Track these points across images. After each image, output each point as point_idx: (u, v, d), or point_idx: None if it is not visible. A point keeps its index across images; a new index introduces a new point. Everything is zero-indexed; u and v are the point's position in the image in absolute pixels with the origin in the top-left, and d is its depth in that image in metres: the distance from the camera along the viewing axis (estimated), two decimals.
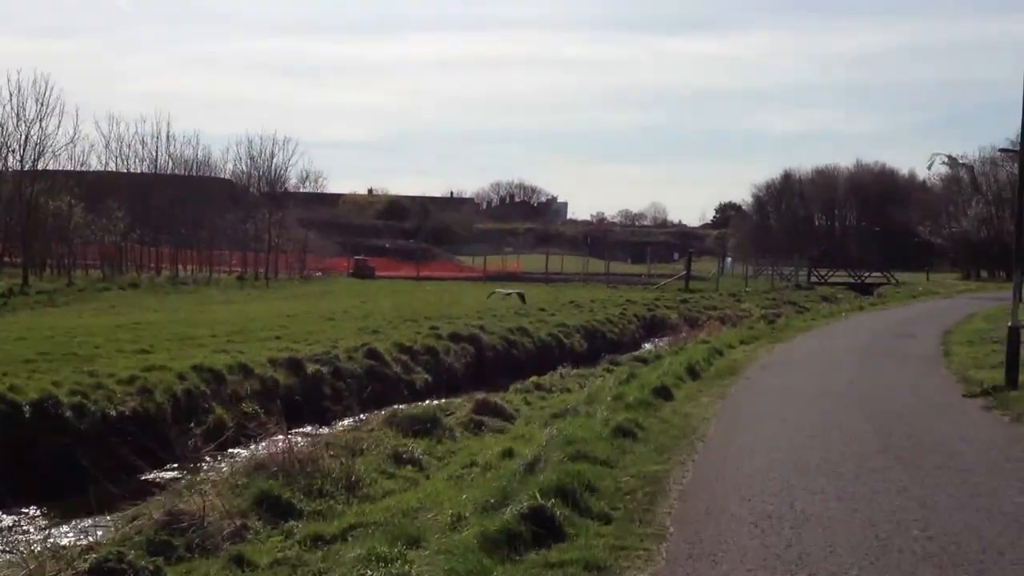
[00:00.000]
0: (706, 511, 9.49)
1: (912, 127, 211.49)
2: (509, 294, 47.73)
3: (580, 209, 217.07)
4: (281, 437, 14.46)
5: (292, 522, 11.36)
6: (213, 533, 10.86)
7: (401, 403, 24.15)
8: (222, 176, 72.12)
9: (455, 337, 30.60)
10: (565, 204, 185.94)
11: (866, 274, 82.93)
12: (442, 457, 15.65)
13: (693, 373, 19.52)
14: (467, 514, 9.63)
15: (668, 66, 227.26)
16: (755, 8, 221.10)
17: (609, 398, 15.88)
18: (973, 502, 9.77)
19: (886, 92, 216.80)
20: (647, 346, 39.05)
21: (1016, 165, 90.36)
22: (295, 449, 13.88)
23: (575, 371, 27.24)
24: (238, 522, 11.36)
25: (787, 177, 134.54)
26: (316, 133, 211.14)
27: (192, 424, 19.05)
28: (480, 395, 20.22)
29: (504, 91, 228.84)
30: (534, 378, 24.70)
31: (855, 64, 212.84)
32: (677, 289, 60.05)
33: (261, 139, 72.55)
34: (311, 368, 23.87)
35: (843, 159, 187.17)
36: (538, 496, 8.89)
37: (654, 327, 44.80)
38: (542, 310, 42.25)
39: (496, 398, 20.20)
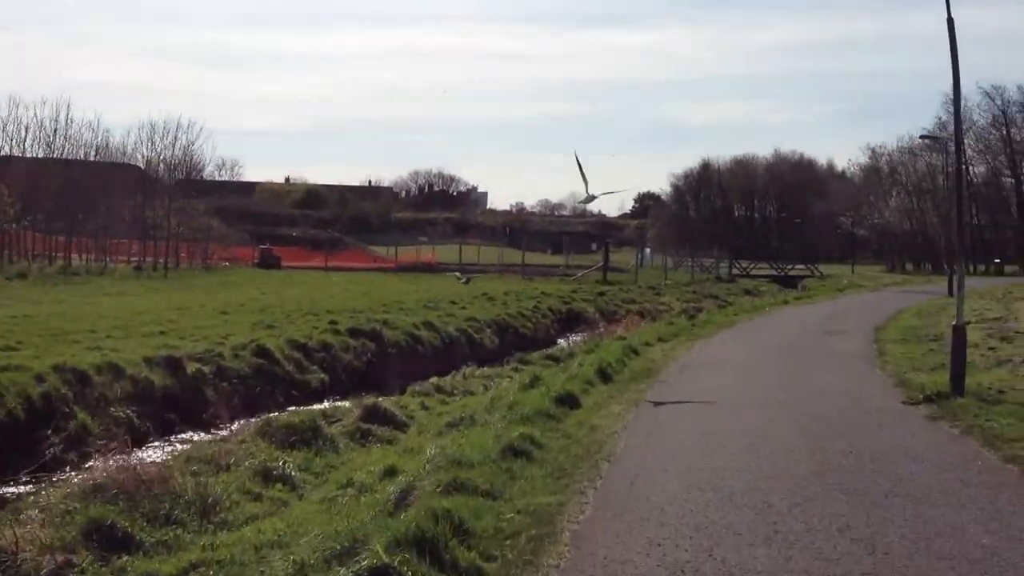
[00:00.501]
0: (604, 562, 7.63)
1: (827, 118, 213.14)
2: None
3: (501, 199, 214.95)
4: (130, 450, 12.48)
5: (127, 557, 9.38)
6: (26, 574, 8.95)
7: (292, 405, 22.47)
8: (131, 163, 68.74)
9: (355, 332, 28.53)
10: (485, 194, 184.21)
11: (789, 266, 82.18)
12: (320, 473, 13.78)
13: (605, 376, 17.71)
14: (312, 561, 7.80)
15: (588, 58, 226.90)
16: (672, 1, 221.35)
17: (507, 406, 14.01)
18: (933, 545, 8.00)
19: (801, 84, 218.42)
20: (561, 342, 37.41)
21: (934, 154, 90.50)
22: (140, 466, 11.86)
23: (481, 371, 25.36)
24: (60, 558, 9.36)
25: (706, 167, 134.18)
26: (240, 123, 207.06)
27: (50, 432, 16.85)
28: (371, 399, 18.22)
29: (426, 82, 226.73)
30: (435, 379, 22.75)
31: (771, 56, 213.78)
32: (595, 281, 58.45)
33: (165, 123, 69.18)
34: (192, 368, 21.60)
35: (761, 149, 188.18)
36: (382, 553, 6.94)
37: (570, 321, 43.04)
38: (453, 303, 40.37)
39: (388, 403, 18.21)
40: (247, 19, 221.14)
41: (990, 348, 21.87)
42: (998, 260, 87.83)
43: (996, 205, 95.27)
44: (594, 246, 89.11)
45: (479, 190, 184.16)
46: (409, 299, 41.18)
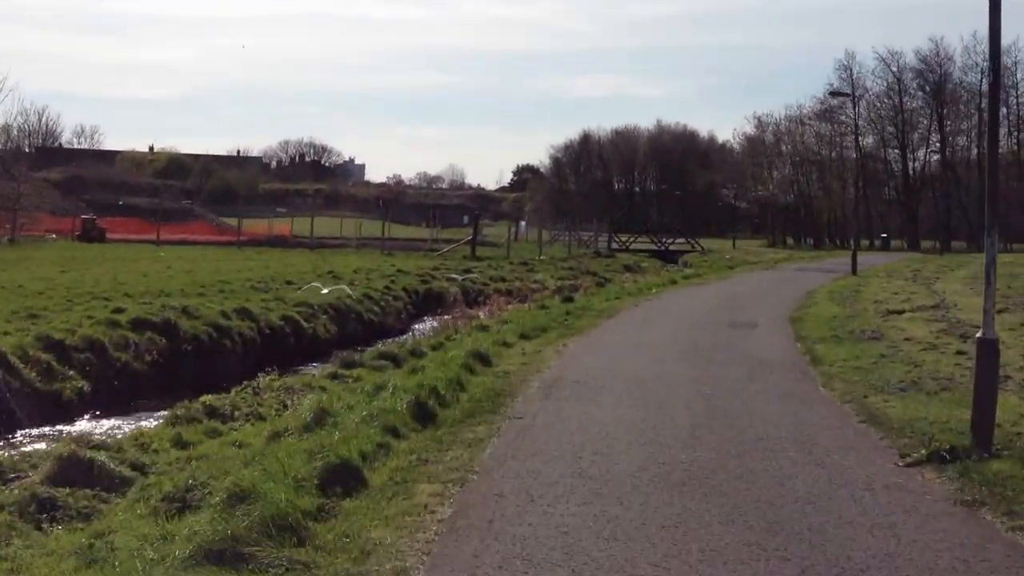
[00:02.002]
0: None
1: (710, 92, 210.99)
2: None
3: (378, 172, 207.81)
4: None
5: None
6: None
7: (20, 430, 16.13)
8: None
9: (140, 324, 21.70)
10: (363, 166, 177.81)
11: (670, 241, 77.32)
12: None
13: (425, 415, 11.27)
14: None
15: (468, 29, 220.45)
16: None
17: (228, 491, 7.67)
18: None
19: (683, 57, 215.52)
20: (418, 327, 31.43)
21: (823, 124, 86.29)
22: None
23: (284, 380, 18.82)
24: None
25: (586, 138, 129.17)
26: (110, 90, 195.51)
27: None
28: (67, 446, 11.61)
29: (305, 51, 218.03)
30: (207, 398, 16.11)
31: (653, 29, 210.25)
32: (462, 256, 52.15)
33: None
34: None
35: (644, 122, 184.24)
36: None
37: (429, 303, 36.63)
38: (289, 283, 33.74)
39: (95, 453, 11.63)
40: None
41: (959, 352, 16.20)
42: (884, 235, 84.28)
43: (884, 177, 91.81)
44: (466, 219, 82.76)
45: (356, 162, 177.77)
46: (239, 278, 34.40)
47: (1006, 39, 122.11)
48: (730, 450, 9.86)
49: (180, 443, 13.38)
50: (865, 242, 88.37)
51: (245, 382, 18.53)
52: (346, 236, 65.36)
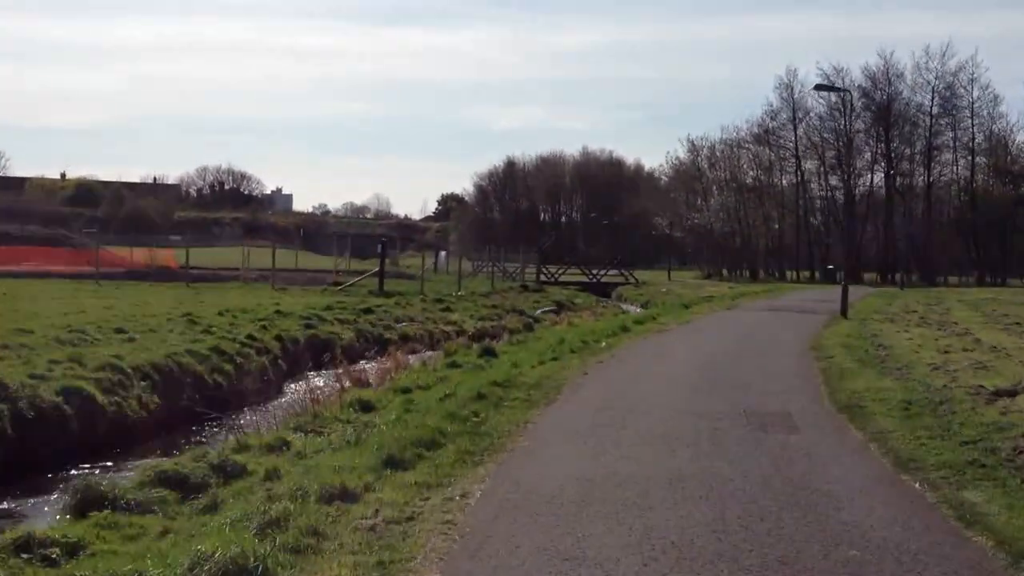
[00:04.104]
0: None
1: (634, 124, 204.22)
2: None
3: (307, 202, 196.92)
4: None
5: None
6: None
7: None
8: None
9: None
10: (290, 196, 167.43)
11: (602, 272, 68.48)
12: None
13: None
14: None
15: (393, 59, 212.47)
16: (478, 2, 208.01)
17: None
18: None
19: (602, 88, 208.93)
20: (293, 389, 22.61)
21: (761, 147, 77.67)
22: None
23: None
24: None
25: (511, 165, 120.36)
26: (32, 118, 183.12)
27: None
28: None
29: (232, 81, 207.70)
30: None
31: (573, 61, 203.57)
32: (368, 292, 42.46)
33: None
34: None
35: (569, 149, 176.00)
36: None
37: (313, 353, 27.11)
38: (119, 331, 23.99)
39: None
40: (19, 5, 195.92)
41: None
42: (830, 267, 76.17)
43: (828, 206, 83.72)
44: (378, 248, 72.73)
45: (284, 192, 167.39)
46: (53, 324, 24.47)
47: (964, 52, 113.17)
48: None
49: None
50: (805, 273, 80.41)
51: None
52: (255, 266, 54.82)
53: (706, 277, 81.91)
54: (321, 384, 22.84)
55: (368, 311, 34.24)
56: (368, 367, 25.32)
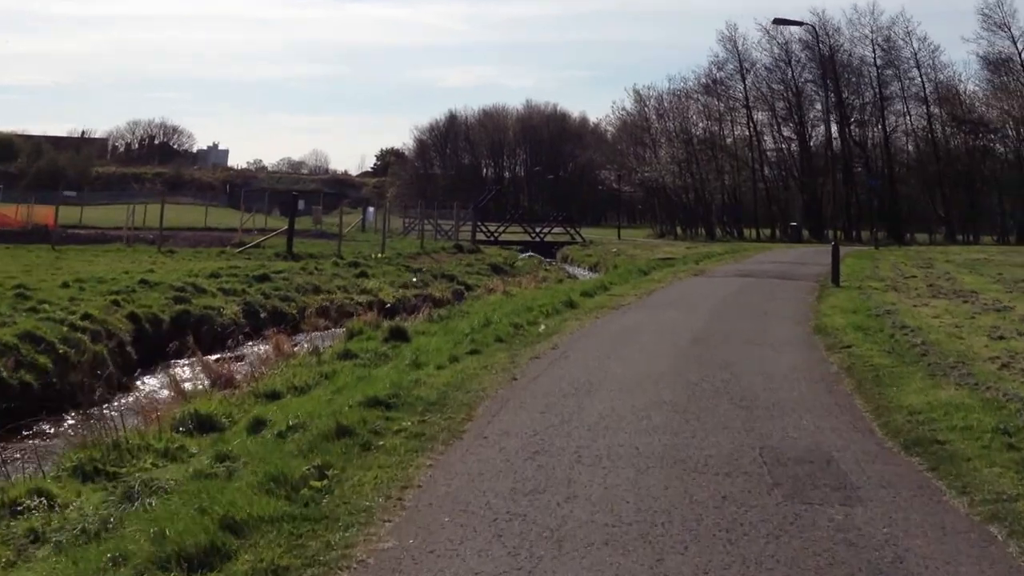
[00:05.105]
0: None
1: (575, 81, 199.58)
2: None
3: (244, 158, 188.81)
4: None
5: None
6: None
7: None
8: None
9: None
10: (226, 152, 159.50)
11: (546, 230, 63.16)
12: None
13: None
14: None
15: (342, 25, 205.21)
16: None
17: None
18: None
19: (550, 50, 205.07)
20: (150, 381, 17.96)
21: (710, 98, 72.52)
22: None
23: None
24: None
25: (452, 119, 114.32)
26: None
27: None
28: None
29: (176, 41, 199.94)
30: None
31: (518, 27, 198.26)
32: (274, 254, 36.65)
33: None
34: None
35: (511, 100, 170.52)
36: None
37: (181, 335, 21.42)
38: None
39: None
40: None
41: None
42: (794, 224, 71.37)
43: (784, 158, 78.89)
44: (301, 205, 66.33)
45: (220, 148, 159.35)
46: None
47: (891, 9, 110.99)
48: None
49: None
50: (766, 231, 75.73)
51: None
52: (149, 226, 48.52)
53: (659, 236, 76.86)
54: (181, 376, 17.64)
55: (264, 278, 28.57)
56: (251, 352, 19.96)
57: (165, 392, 16.40)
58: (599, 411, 10.23)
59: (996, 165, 71.18)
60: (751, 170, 77.34)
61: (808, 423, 9.76)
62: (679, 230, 79.92)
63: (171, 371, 17.94)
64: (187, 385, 16.59)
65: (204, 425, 12.06)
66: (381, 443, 8.96)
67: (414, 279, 32.51)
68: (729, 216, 79.65)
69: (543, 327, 16.42)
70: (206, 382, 16.52)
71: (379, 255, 37.80)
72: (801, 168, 75.61)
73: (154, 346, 20.50)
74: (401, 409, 10.27)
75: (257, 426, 11.02)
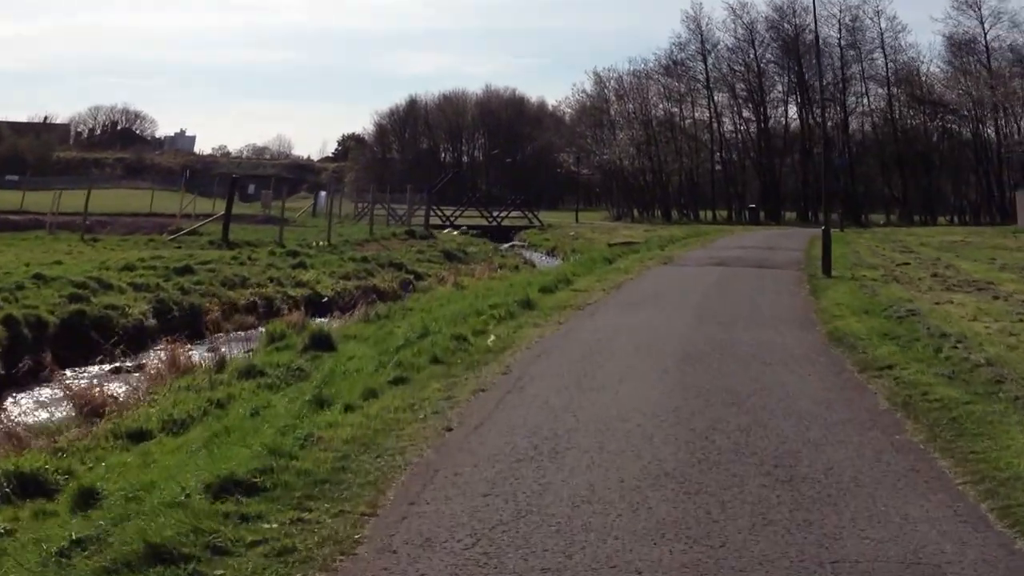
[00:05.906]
0: None
1: (538, 68, 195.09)
2: None
3: (210, 144, 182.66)
4: None
5: None
6: None
7: None
8: None
9: None
10: (193, 138, 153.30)
11: (503, 214, 59.31)
12: None
13: None
14: None
15: (300, 9, 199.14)
16: None
17: None
18: None
19: (511, 37, 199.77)
20: (22, 399, 13.79)
21: (671, 79, 68.82)
22: None
23: None
24: None
25: (412, 104, 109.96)
26: None
27: None
28: None
29: (147, 28, 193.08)
30: None
31: (481, 12, 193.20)
32: (209, 242, 32.48)
33: None
34: None
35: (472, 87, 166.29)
36: None
37: (73, 340, 17.42)
38: None
39: None
40: None
41: None
42: (752, 206, 67.93)
43: (743, 140, 75.42)
44: (250, 189, 61.56)
45: (187, 134, 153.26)
46: None
47: None
48: None
49: None
50: (722, 213, 72.35)
51: None
52: (104, 211, 43.89)
53: (616, 219, 73.19)
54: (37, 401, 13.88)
55: (186, 271, 24.47)
56: (152, 362, 15.92)
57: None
58: (571, 490, 6.47)
59: (954, 145, 68.28)
60: (709, 151, 73.96)
61: (889, 510, 6.08)
62: (636, 212, 76.26)
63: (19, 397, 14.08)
64: (41, 415, 12.69)
65: (28, 487, 8.50)
66: (218, 574, 5.13)
67: (358, 269, 28.53)
68: (686, 198, 76.14)
69: (493, 338, 12.57)
70: (71, 411, 12.63)
71: (323, 243, 33.68)
72: (759, 149, 72.20)
73: (34, 357, 16.39)
74: (271, 494, 6.45)
75: (84, 501, 7.42)
